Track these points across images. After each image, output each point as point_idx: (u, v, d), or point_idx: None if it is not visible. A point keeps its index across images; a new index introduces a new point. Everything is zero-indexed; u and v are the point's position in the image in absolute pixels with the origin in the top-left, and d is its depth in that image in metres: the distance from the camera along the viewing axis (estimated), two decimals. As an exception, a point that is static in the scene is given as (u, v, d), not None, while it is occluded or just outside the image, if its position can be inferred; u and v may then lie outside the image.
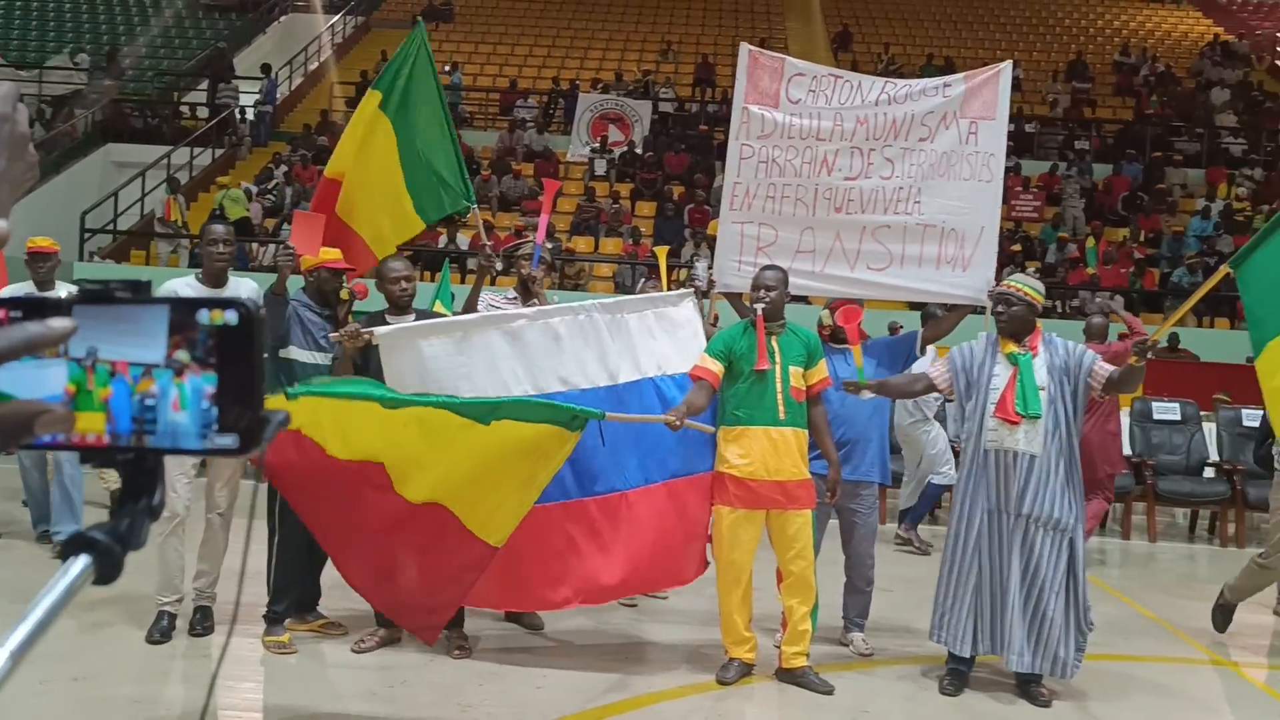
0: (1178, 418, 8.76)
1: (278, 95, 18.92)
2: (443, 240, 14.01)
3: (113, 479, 6.43)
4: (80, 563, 0.73)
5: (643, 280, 7.82)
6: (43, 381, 0.74)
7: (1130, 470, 8.05)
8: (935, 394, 4.96)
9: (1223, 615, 5.48)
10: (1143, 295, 13.62)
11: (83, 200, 14.80)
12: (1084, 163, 16.93)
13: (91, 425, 0.74)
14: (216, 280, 4.61)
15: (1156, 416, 8.78)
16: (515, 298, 5.04)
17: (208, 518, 4.68)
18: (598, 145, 17.13)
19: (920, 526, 7.42)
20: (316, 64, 20.94)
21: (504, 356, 4.40)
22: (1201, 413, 8.93)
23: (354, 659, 4.51)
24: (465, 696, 4.15)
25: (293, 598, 4.67)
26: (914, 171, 4.97)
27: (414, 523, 4.05)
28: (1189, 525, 8.96)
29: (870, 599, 4.99)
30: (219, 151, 17.45)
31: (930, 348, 5.43)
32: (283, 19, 22.55)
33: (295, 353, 4.64)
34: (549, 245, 5.41)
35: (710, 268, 5.15)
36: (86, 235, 14.35)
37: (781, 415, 4.30)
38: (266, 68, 18.76)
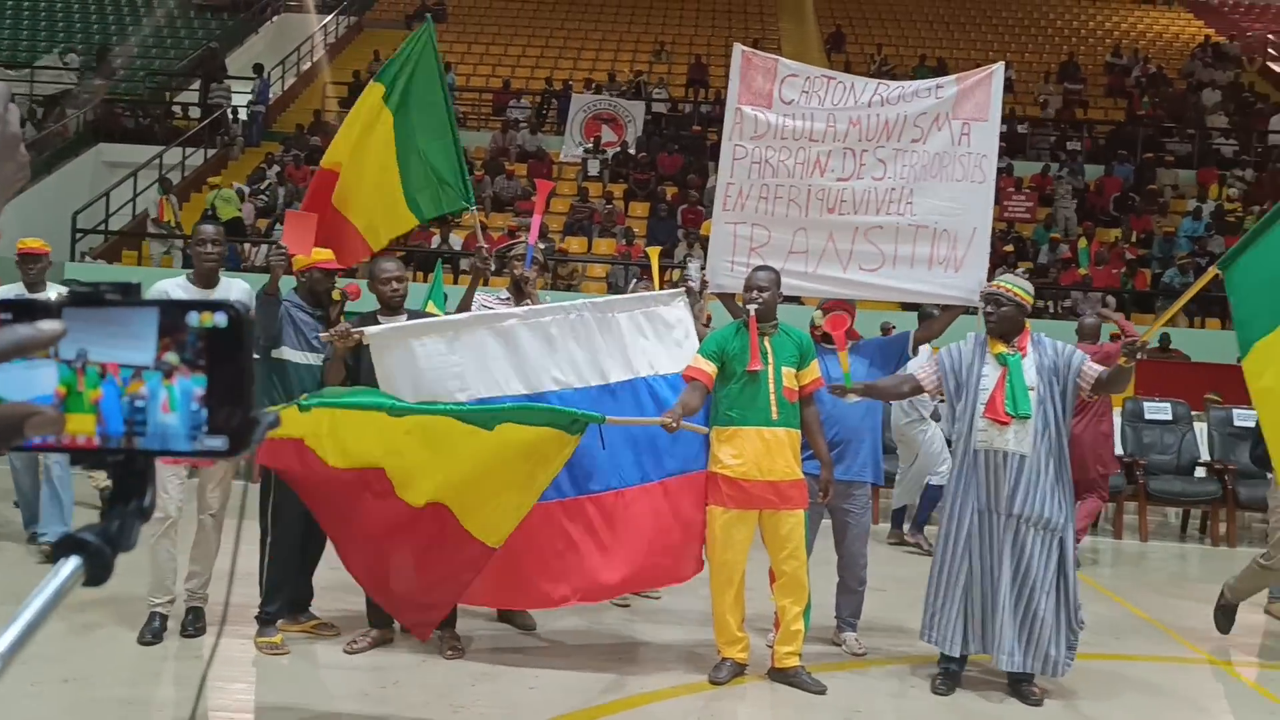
0: (1169, 418, 8.80)
1: (270, 95, 18.88)
2: (435, 241, 14.00)
3: (102, 477, 6.42)
4: (70, 564, 0.74)
5: (634, 281, 7.81)
6: (33, 383, 0.74)
7: (1122, 470, 8.08)
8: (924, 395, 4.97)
9: (1225, 616, 5.47)
10: (1134, 296, 13.66)
11: (74, 200, 14.75)
12: (1076, 163, 16.98)
13: (82, 427, 0.75)
14: (207, 280, 4.60)
15: (1148, 416, 8.81)
16: (508, 298, 5.04)
17: (199, 519, 4.67)
18: (591, 145, 17.12)
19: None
20: (309, 64, 20.90)
21: (495, 356, 4.40)
22: (1193, 413, 8.96)
23: (346, 660, 4.51)
24: (458, 697, 4.15)
25: (285, 599, 4.67)
26: (906, 172, 4.98)
27: (415, 525, 4.08)
28: (1180, 525, 8.99)
29: (863, 599, 5.00)
30: (211, 152, 17.42)
31: (924, 348, 5.45)
32: (275, 19, 22.49)
33: (288, 353, 4.64)
34: (542, 246, 5.42)
35: (703, 268, 5.16)
36: (78, 235, 14.31)
37: (774, 415, 4.31)
38: (259, 68, 18.72)
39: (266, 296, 4.49)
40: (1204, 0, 25.15)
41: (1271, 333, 4.24)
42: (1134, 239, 15.19)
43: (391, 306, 4.65)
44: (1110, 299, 13.35)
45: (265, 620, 4.59)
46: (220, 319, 0.74)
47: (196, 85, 18.87)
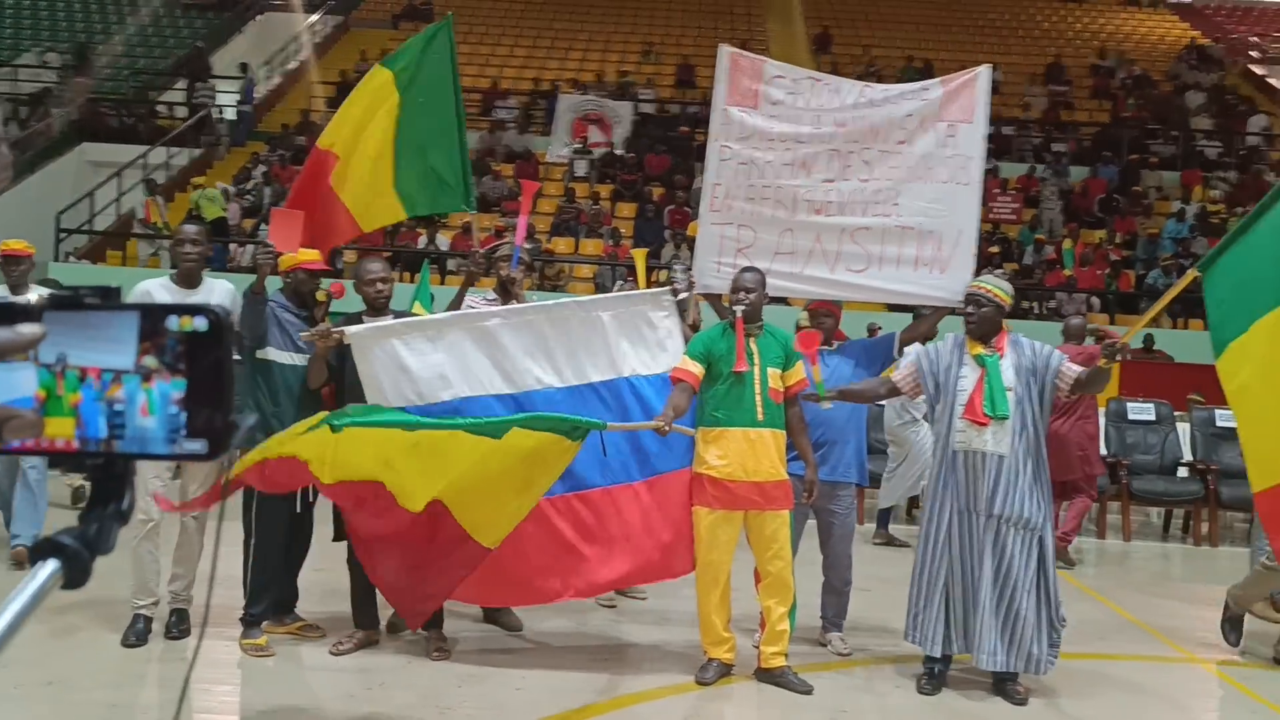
0: (1152, 418, 8.85)
1: (255, 95, 18.80)
2: (422, 241, 13.97)
3: (75, 476, 6.37)
4: (49, 567, 0.74)
5: (620, 281, 7.81)
6: (12, 386, 0.74)
7: (1105, 470, 8.12)
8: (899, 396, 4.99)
9: (1233, 628, 5.34)
10: (1118, 296, 13.74)
11: (58, 200, 14.65)
12: (1061, 165, 17.05)
13: (61, 430, 0.75)
14: (189, 280, 4.58)
15: (1131, 416, 8.86)
16: (495, 299, 5.04)
17: (182, 520, 4.64)
18: (578, 146, 17.11)
19: (897, 528, 7.45)
20: (295, 64, 20.82)
21: (478, 355, 4.40)
22: (1176, 413, 9.02)
23: (332, 661, 4.50)
24: (444, 698, 4.14)
25: (270, 600, 4.66)
26: (892, 174, 4.99)
27: (415, 524, 4.09)
28: (1163, 524, 9.05)
29: (848, 599, 5.01)
30: (196, 151, 17.33)
31: (910, 349, 5.46)
32: (259, 18, 22.40)
33: (272, 354, 4.61)
34: (528, 246, 5.42)
35: (689, 269, 5.17)
36: (62, 235, 14.21)
37: (760, 416, 4.32)
38: (244, 67, 18.64)
39: (253, 295, 4.47)
40: (1188, 3, 25.32)
41: (1245, 332, 4.28)
42: (1118, 240, 15.28)
43: (376, 308, 4.63)
44: (1094, 299, 13.44)
45: (250, 622, 4.57)
46: (200, 323, 0.74)
47: (181, 84, 18.78)
